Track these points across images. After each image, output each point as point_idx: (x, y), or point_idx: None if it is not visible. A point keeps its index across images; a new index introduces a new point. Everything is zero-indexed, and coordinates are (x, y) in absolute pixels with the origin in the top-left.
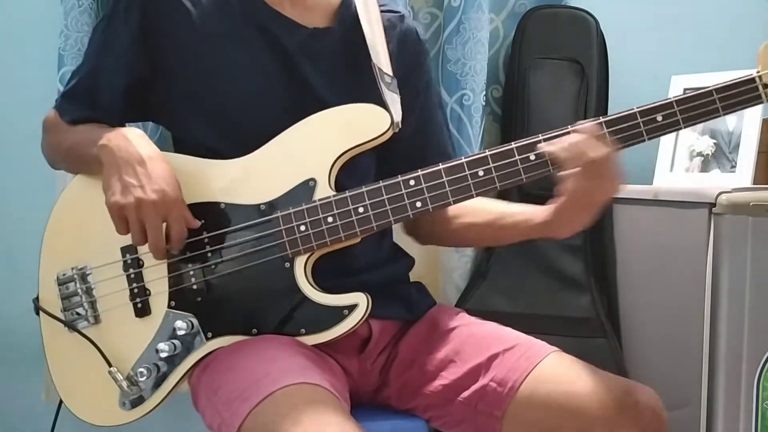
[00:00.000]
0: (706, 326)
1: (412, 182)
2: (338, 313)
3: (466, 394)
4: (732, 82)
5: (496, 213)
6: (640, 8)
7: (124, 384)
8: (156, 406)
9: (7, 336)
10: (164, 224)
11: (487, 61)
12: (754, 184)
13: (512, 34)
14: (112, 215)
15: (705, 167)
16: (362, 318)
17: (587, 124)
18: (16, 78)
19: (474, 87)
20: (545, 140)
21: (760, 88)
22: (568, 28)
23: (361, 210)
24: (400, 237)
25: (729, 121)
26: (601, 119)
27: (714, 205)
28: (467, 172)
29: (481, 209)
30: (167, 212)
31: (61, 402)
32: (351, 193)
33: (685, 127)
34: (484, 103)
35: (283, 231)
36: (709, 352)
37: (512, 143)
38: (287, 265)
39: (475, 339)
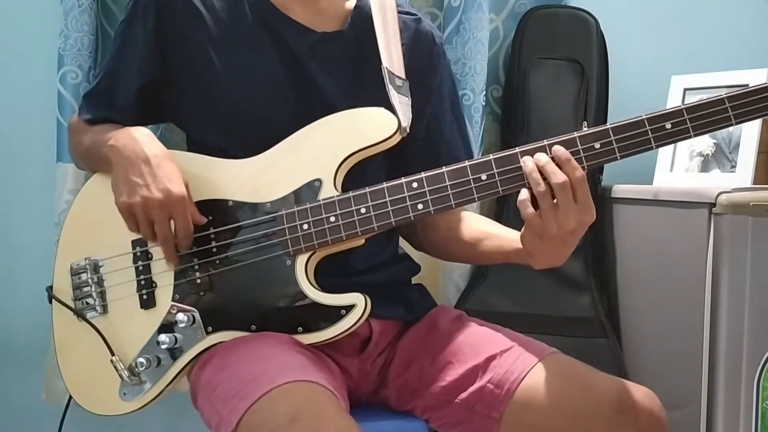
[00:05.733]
0: (706, 326)
1: (414, 184)
2: (336, 314)
3: (464, 395)
4: (744, 90)
5: (482, 233)
6: (640, 8)
7: (125, 373)
8: (155, 398)
9: (7, 336)
10: (171, 221)
11: (487, 61)
12: (754, 184)
13: (512, 34)
14: (122, 214)
15: (705, 167)
16: (359, 319)
17: (558, 147)
18: (16, 78)
19: (474, 87)
20: (550, 146)
21: None
22: (568, 28)
23: (363, 210)
24: (405, 244)
25: None
26: (608, 126)
27: (714, 205)
28: (470, 177)
29: (471, 226)
30: (173, 210)
31: (68, 402)
32: (354, 194)
33: (695, 136)
34: (484, 103)
35: (286, 229)
36: (709, 352)
37: (516, 148)
38: (288, 262)
39: (473, 340)
